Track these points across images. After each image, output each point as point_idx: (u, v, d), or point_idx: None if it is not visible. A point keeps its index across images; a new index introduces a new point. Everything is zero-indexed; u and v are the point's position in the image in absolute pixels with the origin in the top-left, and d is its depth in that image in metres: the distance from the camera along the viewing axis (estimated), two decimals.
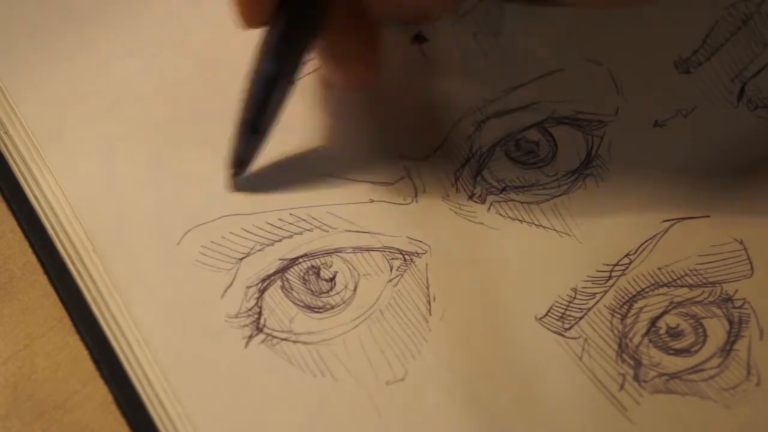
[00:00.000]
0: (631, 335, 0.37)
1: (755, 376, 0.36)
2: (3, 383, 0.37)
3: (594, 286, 0.38)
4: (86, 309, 0.38)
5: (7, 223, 0.40)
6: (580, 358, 0.37)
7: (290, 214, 0.40)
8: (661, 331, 0.37)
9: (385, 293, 0.38)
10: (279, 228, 0.39)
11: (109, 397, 0.37)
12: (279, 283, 0.38)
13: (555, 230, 0.39)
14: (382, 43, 0.40)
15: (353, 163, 0.41)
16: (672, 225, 0.39)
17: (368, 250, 0.39)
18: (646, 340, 0.37)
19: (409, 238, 0.39)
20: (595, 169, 0.41)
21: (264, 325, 0.37)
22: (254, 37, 0.43)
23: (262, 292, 0.38)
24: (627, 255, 0.39)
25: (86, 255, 0.39)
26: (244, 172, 0.40)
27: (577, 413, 0.36)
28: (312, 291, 0.38)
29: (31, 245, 0.40)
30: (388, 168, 0.41)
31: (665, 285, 0.38)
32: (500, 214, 0.40)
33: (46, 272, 0.39)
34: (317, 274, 0.38)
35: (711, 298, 0.38)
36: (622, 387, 0.36)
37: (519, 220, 0.40)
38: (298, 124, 0.42)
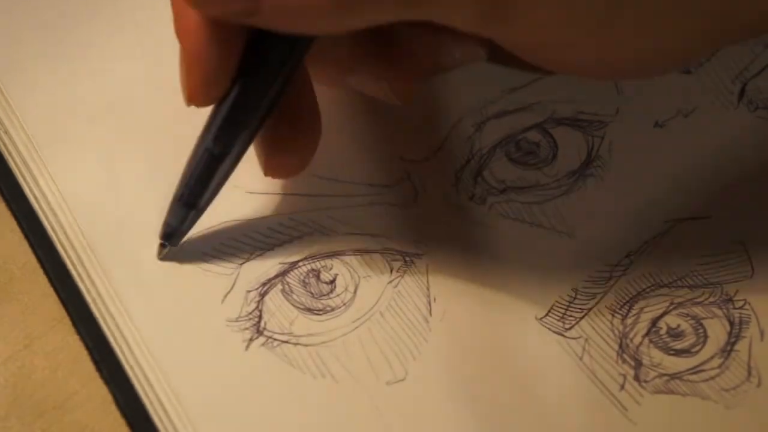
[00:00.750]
0: (631, 335, 0.37)
1: (756, 377, 0.36)
2: (3, 383, 0.37)
3: (594, 286, 0.38)
4: (86, 309, 0.38)
5: (7, 223, 0.40)
6: (581, 359, 0.37)
7: (290, 218, 0.40)
8: (662, 332, 0.37)
9: (385, 295, 0.38)
10: (279, 232, 0.39)
11: (109, 398, 0.37)
12: (279, 286, 0.38)
13: (556, 230, 0.39)
14: (319, 135, 0.38)
15: (353, 165, 0.41)
16: (673, 225, 0.39)
17: (368, 252, 0.39)
18: (646, 340, 0.37)
19: (409, 239, 0.39)
20: (596, 170, 0.41)
21: (264, 328, 0.37)
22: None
23: (262, 295, 0.38)
24: (628, 255, 0.39)
25: (86, 255, 0.39)
26: (175, 245, 0.38)
27: (577, 413, 0.36)
28: (312, 294, 0.38)
29: (31, 245, 0.40)
30: (388, 169, 0.41)
31: (666, 285, 0.38)
32: (501, 215, 0.40)
33: (46, 272, 0.39)
34: (317, 277, 0.38)
35: (711, 299, 0.38)
36: (622, 387, 0.36)
37: (519, 221, 0.40)
38: None
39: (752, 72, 0.43)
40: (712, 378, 0.36)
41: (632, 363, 0.37)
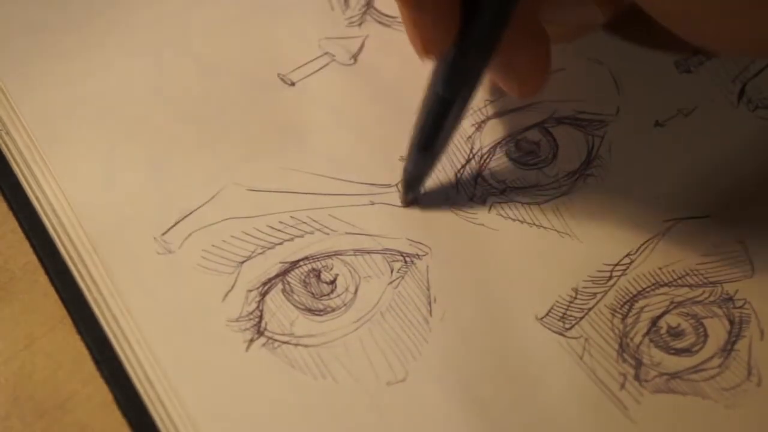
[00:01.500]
0: (632, 335, 0.37)
1: (756, 377, 0.36)
2: (3, 383, 0.37)
3: (595, 285, 0.38)
4: (87, 309, 0.38)
5: (8, 223, 0.40)
6: (581, 358, 0.37)
7: (291, 216, 0.40)
8: (662, 331, 0.37)
9: (385, 295, 0.38)
10: (280, 231, 0.39)
11: (110, 398, 0.37)
12: (280, 286, 0.38)
13: (556, 230, 0.39)
14: (550, 50, 0.39)
15: (354, 165, 0.41)
16: (673, 225, 0.39)
17: (369, 252, 0.39)
18: (646, 339, 0.37)
19: (409, 239, 0.39)
20: (596, 169, 0.41)
21: (265, 329, 0.37)
22: (254, 42, 0.43)
23: (263, 295, 0.38)
24: (628, 255, 0.39)
25: (87, 255, 0.39)
26: (416, 190, 0.40)
27: (578, 413, 0.36)
28: (313, 294, 0.38)
29: (32, 245, 0.40)
30: (389, 169, 0.41)
31: (666, 285, 0.38)
32: (501, 215, 0.40)
33: (47, 272, 0.39)
34: (318, 277, 0.38)
35: (712, 298, 0.38)
36: (623, 386, 0.36)
37: (520, 221, 0.40)
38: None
39: (752, 72, 0.43)
40: (712, 377, 0.36)
41: (632, 362, 0.37)
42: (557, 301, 0.38)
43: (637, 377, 0.36)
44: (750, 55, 0.42)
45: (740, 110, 0.42)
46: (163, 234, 0.39)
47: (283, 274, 0.38)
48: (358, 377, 0.36)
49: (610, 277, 0.38)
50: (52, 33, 0.44)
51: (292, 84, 0.43)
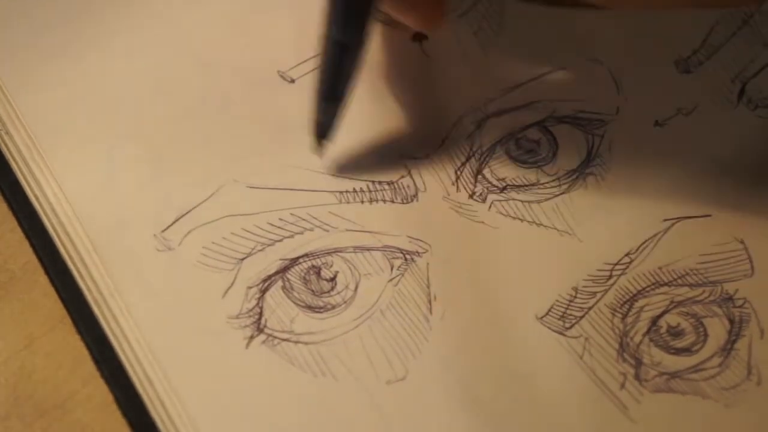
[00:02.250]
0: (631, 334, 0.37)
1: (756, 376, 0.36)
2: (3, 383, 0.37)
3: (595, 285, 0.38)
4: (87, 309, 0.38)
5: (8, 222, 0.40)
6: (581, 357, 0.37)
7: (291, 213, 0.40)
8: (662, 330, 0.37)
9: (385, 293, 0.38)
10: (280, 228, 0.39)
11: (110, 397, 0.37)
12: (280, 283, 0.38)
13: (556, 229, 0.39)
14: None
15: (354, 162, 0.41)
16: (673, 224, 0.39)
17: (369, 249, 0.39)
18: (646, 339, 0.37)
19: (409, 237, 0.39)
20: (596, 168, 0.41)
21: (265, 326, 0.37)
22: (254, 40, 0.43)
23: (263, 292, 0.38)
24: (628, 254, 0.39)
25: (87, 255, 0.39)
26: (327, 139, 0.40)
27: (577, 412, 0.36)
28: (313, 291, 0.38)
29: (32, 245, 0.40)
30: (388, 167, 0.41)
31: (666, 284, 0.38)
32: (501, 213, 0.40)
33: (47, 272, 0.39)
34: (318, 274, 0.38)
35: (712, 298, 0.38)
36: (623, 386, 0.36)
37: (520, 219, 0.40)
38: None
39: (752, 71, 0.43)
40: (712, 377, 0.36)
41: (632, 362, 0.37)
42: (557, 300, 0.38)
43: (637, 377, 0.36)
44: (635, 7, 0.42)
45: (740, 109, 0.42)
46: (163, 231, 0.39)
47: (283, 271, 0.38)
48: (358, 375, 0.37)
49: (610, 276, 0.38)
50: (51, 32, 0.44)
51: (292, 81, 0.43)
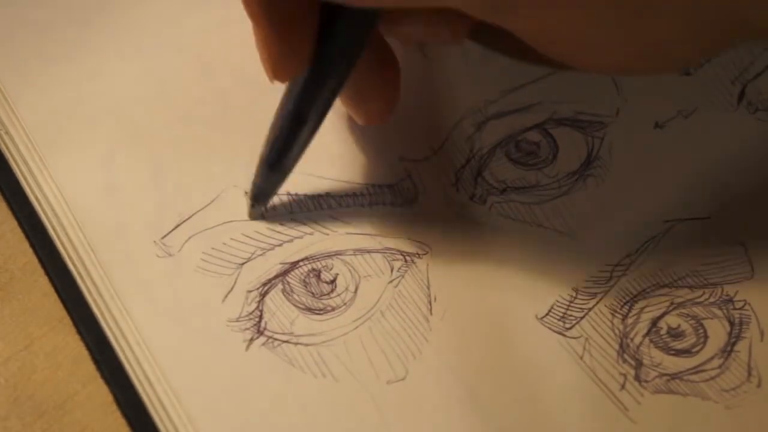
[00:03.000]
0: (632, 335, 0.37)
1: (756, 378, 0.36)
2: (3, 383, 0.37)
3: (595, 286, 0.38)
4: (87, 309, 0.38)
5: (8, 223, 0.40)
6: (581, 358, 0.37)
7: (290, 217, 0.40)
8: (662, 332, 0.37)
9: (385, 294, 0.38)
10: (279, 232, 0.39)
11: (110, 398, 0.37)
12: (280, 286, 0.38)
13: (556, 230, 0.39)
14: (400, 78, 0.39)
15: (354, 165, 0.41)
16: (673, 226, 0.39)
17: (369, 251, 0.39)
18: (647, 340, 0.37)
19: (409, 239, 0.39)
20: (596, 170, 0.41)
21: (265, 328, 0.37)
22: (253, 40, 0.43)
23: (263, 295, 0.38)
24: (628, 255, 0.39)
25: (86, 255, 0.39)
26: (263, 205, 0.40)
27: (578, 413, 0.36)
28: (313, 293, 0.38)
29: (32, 245, 0.40)
30: (388, 169, 0.41)
31: (666, 285, 0.38)
32: (501, 215, 0.40)
33: (47, 272, 0.39)
34: (318, 277, 0.38)
35: (712, 299, 0.38)
36: (623, 387, 0.36)
37: (520, 221, 0.40)
38: None
39: (752, 74, 0.43)
40: (713, 378, 0.36)
41: (633, 363, 0.37)
42: (557, 301, 0.38)
43: (637, 378, 0.36)
44: (610, 74, 0.42)
45: (740, 112, 0.42)
46: (163, 237, 0.39)
47: (283, 274, 0.39)
48: (358, 376, 0.36)
49: (611, 278, 0.38)
50: (52, 34, 0.44)
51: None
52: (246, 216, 0.40)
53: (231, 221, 0.40)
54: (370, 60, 0.37)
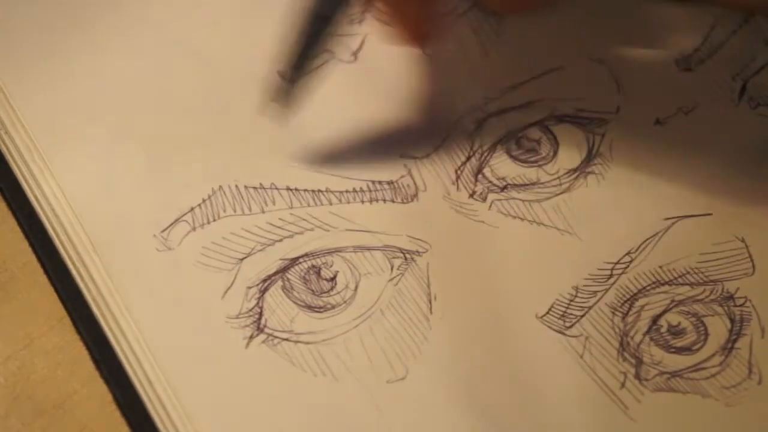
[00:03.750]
0: (632, 333, 0.37)
1: (757, 375, 0.36)
2: (3, 383, 0.37)
3: (595, 284, 0.38)
4: (86, 309, 0.38)
5: (8, 223, 0.40)
6: (582, 357, 0.37)
7: (291, 213, 0.40)
8: (663, 330, 0.37)
9: (386, 292, 0.38)
10: (279, 228, 0.39)
11: (109, 397, 0.37)
12: (280, 283, 0.38)
13: (556, 228, 0.39)
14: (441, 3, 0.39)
15: (354, 162, 0.41)
16: (673, 223, 0.39)
17: (369, 249, 0.39)
18: (647, 338, 0.37)
19: (409, 236, 0.39)
20: (597, 167, 0.40)
21: (265, 326, 0.37)
22: (253, 40, 0.43)
23: (262, 292, 0.38)
24: (628, 253, 0.39)
25: (86, 255, 0.39)
26: (293, 81, 0.39)
27: (578, 411, 0.36)
28: (313, 291, 0.38)
29: (31, 245, 0.40)
30: (388, 166, 0.41)
31: (666, 283, 0.38)
32: (501, 213, 0.40)
33: (46, 272, 0.39)
34: (318, 274, 0.38)
35: (712, 297, 0.38)
36: (623, 385, 0.36)
37: (520, 218, 0.40)
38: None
39: (753, 69, 0.42)
40: (713, 376, 0.36)
41: (633, 361, 0.37)
42: (557, 300, 0.38)
43: (637, 376, 0.36)
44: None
45: (741, 108, 0.42)
46: (163, 231, 0.39)
47: (283, 271, 0.38)
48: (358, 375, 0.36)
49: (611, 276, 0.38)
50: (51, 33, 0.44)
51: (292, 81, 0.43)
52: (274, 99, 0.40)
53: (231, 215, 0.40)
54: None
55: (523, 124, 0.41)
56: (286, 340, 0.37)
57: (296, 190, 0.40)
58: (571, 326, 0.37)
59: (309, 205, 0.40)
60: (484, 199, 0.40)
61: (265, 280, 0.38)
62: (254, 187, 0.40)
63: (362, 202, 0.40)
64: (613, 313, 0.37)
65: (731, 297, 0.38)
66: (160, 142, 0.41)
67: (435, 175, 0.41)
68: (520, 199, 0.40)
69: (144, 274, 0.38)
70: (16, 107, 0.42)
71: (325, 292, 0.38)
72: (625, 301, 0.38)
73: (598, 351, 0.37)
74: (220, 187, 0.40)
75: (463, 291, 0.38)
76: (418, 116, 0.42)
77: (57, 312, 0.38)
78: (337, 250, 0.39)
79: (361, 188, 0.40)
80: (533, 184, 0.40)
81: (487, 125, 0.41)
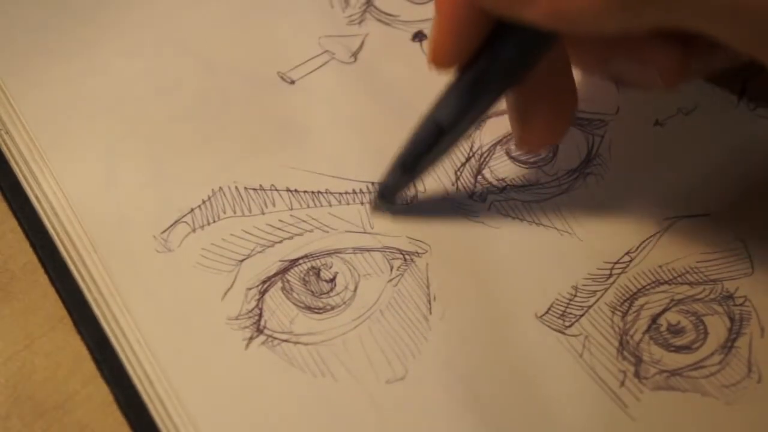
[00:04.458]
0: (631, 332, 0.37)
1: (756, 373, 0.36)
2: (3, 383, 0.37)
3: (595, 283, 0.38)
4: (87, 309, 0.38)
5: (8, 222, 0.40)
6: (581, 356, 0.37)
7: (291, 215, 0.40)
8: (662, 328, 0.37)
9: (385, 293, 0.38)
10: (279, 229, 0.39)
11: (110, 397, 0.37)
12: (279, 284, 0.38)
13: (556, 228, 0.39)
14: (573, 109, 0.37)
15: (353, 163, 0.41)
16: (672, 223, 0.39)
17: (368, 250, 0.39)
18: (646, 337, 0.37)
19: (409, 237, 0.39)
20: (596, 168, 0.41)
21: (264, 327, 0.37)
22: (254, 40, 0.43)
23: (262, 293, 0.38)
24: (628, 253, 0.39)
25: (87, 255, 0.39)
26: (389, 202, 0.39)
27: (577, 410, 0.36)
28: (312, 292, 0.38)
29: (32, 245, 0.40)
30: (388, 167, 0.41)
31: (666, 282, 0.38)
32: (501, 213, 0.40)
33: (47, 272, 0.39)
34: (317, 275, 0.38)
35: (712, 296, 0.38)
36: (622, 384, 0.36)
37: (519, 219, 0.40)
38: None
39: (752, 71, 0.42)
40: (713, 374, 0.36)
41: (632, 360, 0.37)
42: (557, 299, 0.38)
43: (637, 374, 0.36)
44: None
45: (740, 109, 0.42)
46: (163, 232, 0.39)
47: (283, 272, 0.38)
48: (357, 375, 0.36)
49: (610, 275, 0.38)
50: (51, 32, 0.44)
51: (292, 82, 0.43)
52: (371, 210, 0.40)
53: (230, 216, 0.40)
54: (545, 81, 0.35)
55: None
56: (286, 341, 0.37)
57: (296, 191, 0.40)
58: (570, 325, 0.37)
59: (309, 207, 0.40)
60: (484, 200, 0.40)
61: (264, 282, 0.38)
62: (254, 189, 0.40)
63: (362, 203, 0.40)
64: (613, 312, 0.37)
65: (731, 296, 0.38)
66: (160, 142, 0.41)
67: (434, 175, 0.41)
68: (519, 200, 0.40)
69: (144, 275, 0.38)
70: (16, 107, 0.42)
71: (324, 294, 0.38)
72: (625, 301, 0.38)
73: (598, 350, 0.37)
74: (220, 188, 0.40)
75: (462, 291, 0.38)
76: (417, 116, 0.42)
77: (57, 312, 0.38)
78: (336, 252, 0.39)
79: (360, 190, 0.40)
80: (533, 184, 0.40)
81: (487, 126, 0.42)
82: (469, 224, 0.40)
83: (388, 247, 0.39)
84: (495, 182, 0.40)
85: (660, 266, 0.38)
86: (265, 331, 0.37)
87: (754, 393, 0.36)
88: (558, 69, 0.36)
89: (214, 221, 0.39)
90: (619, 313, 0.37)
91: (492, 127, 0.41)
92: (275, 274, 0.38)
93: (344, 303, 0.38)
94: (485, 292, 0.38)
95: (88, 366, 0.37)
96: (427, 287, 0.38)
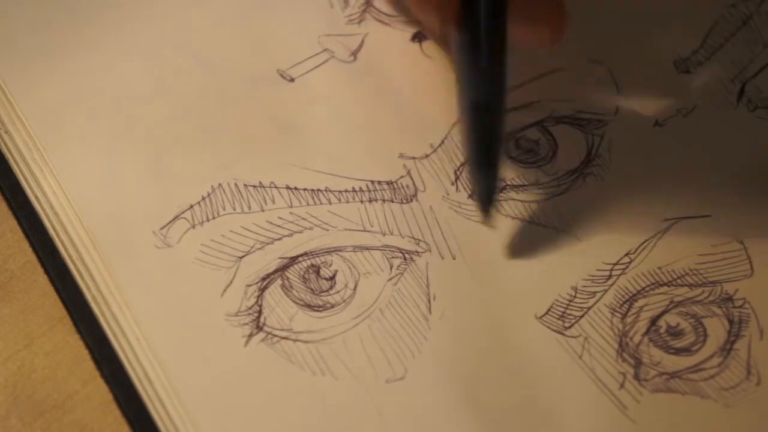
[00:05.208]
0: (631, 334, 0.37)
1: (755, 376, 0.36)
2: (3, 383, 0.37)
3: (594, 284, 0.38)
4: (86, 308, 0.38)
5: (7, 222, 0.40)
6: (581, 357, 0.37)
7: (290, 212, 0.40)
8: (662, 330, 0.37)
9: (385, 292, 0.38)
10: (279, 226, 0.39)
11: (109, 397, 0.37)
12: (279, 281, 0.38)
13: (555, 229, 0.39)
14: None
15: (353, 162, 0.41)
16: (672, 224, 0.39)
17: (368, 248, 0.39)
18: (646, 339, 0.37)
19: (409, 236, 0.39)
20: (596, 168, 0.41)
21: (264, 324, 0.37)
22: (253, 38, 0.43)
23: (262, 290, 0.38)
24: (627, 254, 0.39)
25: (86, 254, 0.39)
26: (493, 205, 0.39)
27: (577, 412, 0.36)
28: (312, 290, 0.38)
29: (31, 245, 0.40)
30: (388, 166, 0.41)
31: (665, 284, 0.38)
32: (500, 213, 0.40)
33: (46, 272, 0.39)
34: (317, 273, 0.38)
35: (711, 298, 0.38)
36: (622, 386, 0.36)
37: (519, 219, 0.40)
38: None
39: (751, 72, 0.43)
40: (712, 377, 0.36)
41: (632, 361, 0.37)
42: (556, 300, 0.38)
43: (636, 376, 0.36)
44: None
45: (739, 110, 0.42)
46: (162, 228, 0.39)
47: (283, 269, 0.39)
48: (357, 374, 0.37)
49: (610, 276, 0.38)
50: (51, 32, 0.44)
51: (292, 80, 0.43)
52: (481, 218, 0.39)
53: (230, 213, 0.40)
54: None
55: (522, 124, 0.41)
56: (285, 338, 0.37)
57: (296, 189, 0.40)
58: (570, 327, 0.37)
59: (308, 204, 0.40)
60: None
61: (264, 279, 0.38)
62: (254, 186, 0.40)
63: (361, 201, 0.40)
64: (612, 313, 0.38)
65: (730, 298, 0.38)
66: (159, 140, 0.41)
67: (434, 175, 0.41)
68: (519, 200, 0.40)
69: (143, 271, 0.38)
70: (16, 106, 0.42)
71: (324, 291, 0.38)
72: (624, 302, 0.38)
73: (597, 351, 0.37)
74: (220, 185, 0.40)
75: (462, 291, 0.38)
76: (416, 116, 0.42)
77: (57, 312, 0.38)
78: (336, 250, 0.39)
79: (360, 188, 0.40)
80: (532, 184, 0.40)
81: None
82: (468, 224, 0.40)
83: (387, 246, 0.39)
84: None
85: (659, 267, 0.38)
86: (265, 328, 0.37)
87: (753, 395, 0.36)
88: None
89: (214, 218, 0.39)
90: (618, 314, 0.38)
91: None
92: (275, 271, 0.38)
93: (344, 301, 0.38)
94: (485, 292, 0.38)
95: (88, 365, 0.37)
96: (427, 286, 0.38)
